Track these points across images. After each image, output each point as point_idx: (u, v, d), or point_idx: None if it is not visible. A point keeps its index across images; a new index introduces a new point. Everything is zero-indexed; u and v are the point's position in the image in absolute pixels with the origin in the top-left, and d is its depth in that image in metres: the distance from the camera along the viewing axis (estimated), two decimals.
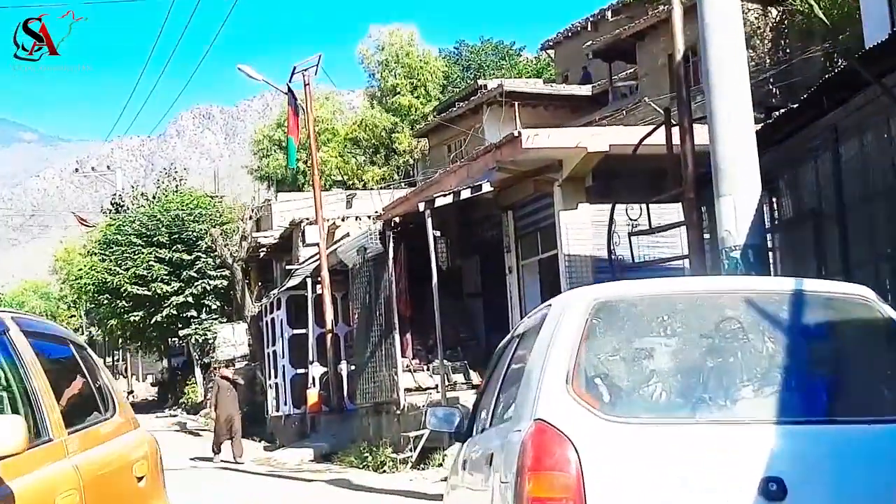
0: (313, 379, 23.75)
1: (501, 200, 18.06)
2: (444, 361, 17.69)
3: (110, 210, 45.55)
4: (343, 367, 23.07)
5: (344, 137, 49.50)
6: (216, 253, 34.45)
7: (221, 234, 33.64)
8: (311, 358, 24.04)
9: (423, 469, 16.11)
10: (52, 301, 78.35)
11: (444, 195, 16.75)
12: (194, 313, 37.74)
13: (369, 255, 19.49)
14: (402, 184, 39.21)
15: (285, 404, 25.60)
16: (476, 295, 20.65)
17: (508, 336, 5.81)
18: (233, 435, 21.56)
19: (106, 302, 39.78)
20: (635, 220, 13.47)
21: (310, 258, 25.78)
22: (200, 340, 37.46)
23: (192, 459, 21.78)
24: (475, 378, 18.57)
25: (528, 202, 17.62)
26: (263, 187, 52.44)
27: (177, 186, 43.39)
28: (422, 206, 16.86)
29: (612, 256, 13.62)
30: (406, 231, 18.66)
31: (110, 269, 38.19)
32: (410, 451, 16.66)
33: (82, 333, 70.90)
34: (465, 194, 16.63)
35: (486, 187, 16.62)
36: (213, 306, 37.85)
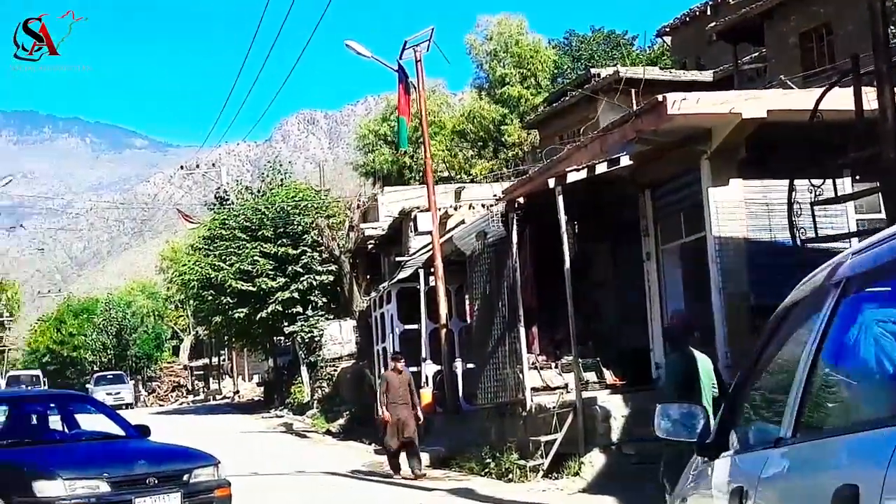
0: (426, 378, 22.21)
1: (638, 177, 16.15)
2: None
3: (215, 204, 44.82)
4: (458, 364, 21.47)
5: (451, 130, 48.08)
6: (322, 247, 33.18)
7: (328, 225, 32.37)
8: (423, 355, 22.52)
9: (557, 478, 14.25)
10: (159, 301, 78.76)
11: (577, 170, 14.93)
12: (300, 310, 36.57)
13: (490, 240, 17.72)
14: (512, 177, 37.54)
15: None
16: (606, 285, 18.73)
17: (806, 288, 3.58)
18: (407, 444, 17.94)
19: (210, 298, 38.88)
20: (818, 188, 11.51)
21: (421, 249, 24.26)
22: (306, 338, 36.31)
23: (354, 472, 19.12)
24: (609, 376, 16.77)
25: (670, 179, 15.71)
26: (369, 183, 51.31)
27: (282, 180, 42.36)
28: (552, 183, 15.05)
29: (796, 231, 11.66)
30: (530, 214, 16.88)
31: (214, 265, 37.35)
32: (541, 457, 14.83)
33: (189, 333, 71.01)
34: (601, 168, 14.79)
35: (625, 161, 14.78)
36: (319, 303, 36.65)
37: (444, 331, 21.46)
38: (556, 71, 49.35)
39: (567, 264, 15.11)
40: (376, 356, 26.00)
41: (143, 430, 12.80)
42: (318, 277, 35.98)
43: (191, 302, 49.37)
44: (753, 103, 13.77)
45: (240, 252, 37.04)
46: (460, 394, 21.19)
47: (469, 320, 21.69)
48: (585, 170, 14.89)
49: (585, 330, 17.10)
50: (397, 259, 26.23)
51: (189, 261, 41.11)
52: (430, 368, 22.34)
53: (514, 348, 16.63)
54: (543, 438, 14.96)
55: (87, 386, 57.41)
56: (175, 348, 77.10)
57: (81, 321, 77.43)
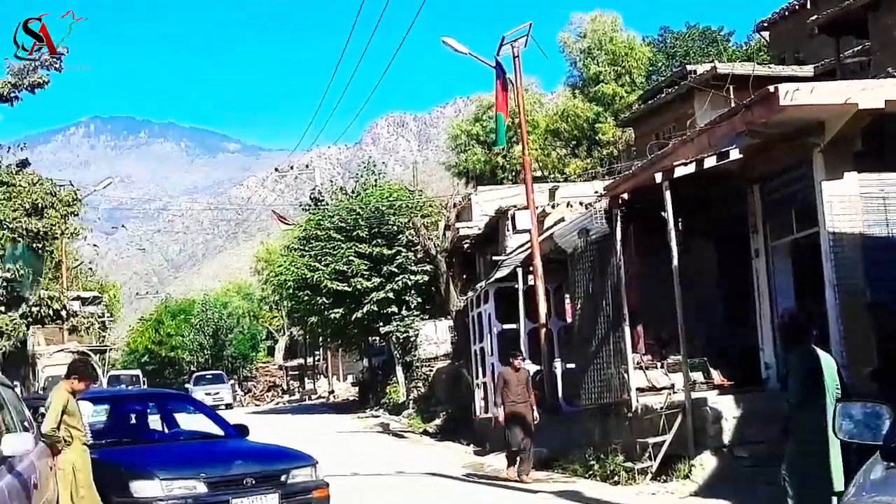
0: None
1: (747, 172, 15.62)
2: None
3: (309, 205, 45.16)
4: (557, 364, 21.11)
5: (545, 129, 47.75)
6: (418, 246, 33.07)
7: (423, 224, 32.32)
8: (522, 355, 22.17)
9: (666, 481, 13.86)
10: (254, 302, 79.73)
11: (685, 164, 14.52)
12: (395, 310, 36.58)
13: (592, 237, 17.36)
14: (605, 176, 37.06)
15: (495, 405, 23.73)
16: (713, 282, 18.21)
17: None
18: (521, 446, 17.21)
19: (306, 298, 39.11)
20: None
21: (519, 247, 23.96)
22: (402, 338, 36.28)
23: (469, 475, 18.77)
24: (716, 376, 16.28)
25: (781, 173, 15.17)
26: (461, 183, 51.25)
27: (376, 180, 42.47)
28: (659, 178, 14.66)
29: None
30: (633, 210, 16.49)
31: (310, 265, 37.57)
32: (649, 459, 14.44)
33: (284, 333, 71.79)
34: (710, 162, 14.35)
35: (734, 154, 14.33)
36: (414, 302, 36.62)
37: (543, 330, 21.12)
38: (650, 68, 48.69)
39: (675, 262, 14.71)
40: (473, 356, 25.77)
41: (242, 430, 12.73)
42: (413, 277, 35.98)
43: (286, 302, 49.73)
44: (870, 93, 13.20)
45: (335, 252, 37.20)
46: (560, 394, 20.85)
47: (568, 319, 21.35)
48: (694, 164, 14.47)
49: (691, 329, 16.65)
50: (494, 258, 25.97)
51: (285, 261, 41.44)
52: (529, 368, 22.01)
53: (618, 348, 16.27)
54: (651, 440, 14.57)
55: (186, 386, 58.13)
56: (270, 349, 78.00)
57: (179, 322, 78.79)
